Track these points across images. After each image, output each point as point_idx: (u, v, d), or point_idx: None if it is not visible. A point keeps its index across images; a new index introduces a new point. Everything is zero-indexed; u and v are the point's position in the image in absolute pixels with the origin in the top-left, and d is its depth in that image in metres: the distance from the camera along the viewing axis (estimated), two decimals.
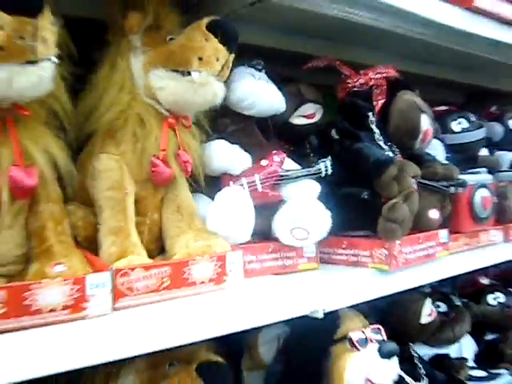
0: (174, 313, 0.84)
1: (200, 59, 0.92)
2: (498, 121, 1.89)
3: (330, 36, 1.46)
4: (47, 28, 0.73)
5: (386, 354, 1.14)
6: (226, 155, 1.11)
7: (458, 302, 1.75)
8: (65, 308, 0.76)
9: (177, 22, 1.01)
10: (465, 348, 1.76)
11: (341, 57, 1.42)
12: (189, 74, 0.93)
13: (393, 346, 1.16)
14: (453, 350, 1.71)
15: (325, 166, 1.18)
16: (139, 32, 0.98)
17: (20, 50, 0.71)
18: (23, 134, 0.81)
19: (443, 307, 1.71)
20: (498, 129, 1.86)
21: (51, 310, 0.75)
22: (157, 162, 0.96)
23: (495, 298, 1.87)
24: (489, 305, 1.85)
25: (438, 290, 1.74)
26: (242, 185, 1.09)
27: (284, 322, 1.23)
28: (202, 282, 0.91)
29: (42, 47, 0.73)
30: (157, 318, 0.81)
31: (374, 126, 1.34)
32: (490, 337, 1.87)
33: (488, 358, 1.78)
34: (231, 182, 1.10)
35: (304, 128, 1.34)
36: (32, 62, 0.73)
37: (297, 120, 1.33)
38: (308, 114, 1.33)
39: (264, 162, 1.13)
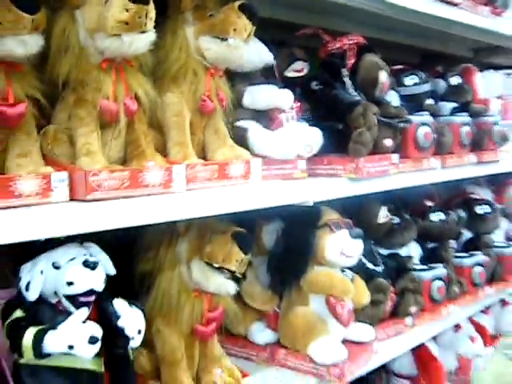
0: (220, 194, 1.28)
1: (234, 30, 1.32)
2: (442, 78, 2.28)
3: (317, 11, 1.89)
4: (152, 10, 1.14)
5: (354, 235, 1.61)
6: (279, 95, 1.57)
7: (407, 217, 2.14)
8: (160, 185, 1.19)
9: (216, 2, 1.41)
10: (412, 251, 2.21)
11: (324, 26, 1.85)
12: (226, 40, 1.34)
13: (359, 230, 1.64)
14: (403, 252, 2.14)
15: None
16: (191, 10, 1.38)
17: (138, 24, 1.11)
18: (128, 77, 1.23)
19: (396, 220, 2.08)
20: (441, 84, 2.26)
21: (153, 186, 1.17)
22: (205, 99, 1.39)
23: (437, 216, 2.26)
24: (431, 221, 2.25)
25: (394, 208, 2.10)
26: (287, 116, 1.53)
27: (281, 218, 1.71)
28: (236, 177, 1.36)
29: (149, 23, 1.14)
30: (210, 196, 1.26)
31: (346, 79, 1.76)
32: (431, 245, 2.31)
33: (429, 260, 2.23)
34: (279, 115, 1.55)
35: (295, 79, 1.77)
36: (143, 32, 1.14)
37: (290, 73, 1.77)
38: (298, 69, 1.78)
39: (295, 104, 1.59)
